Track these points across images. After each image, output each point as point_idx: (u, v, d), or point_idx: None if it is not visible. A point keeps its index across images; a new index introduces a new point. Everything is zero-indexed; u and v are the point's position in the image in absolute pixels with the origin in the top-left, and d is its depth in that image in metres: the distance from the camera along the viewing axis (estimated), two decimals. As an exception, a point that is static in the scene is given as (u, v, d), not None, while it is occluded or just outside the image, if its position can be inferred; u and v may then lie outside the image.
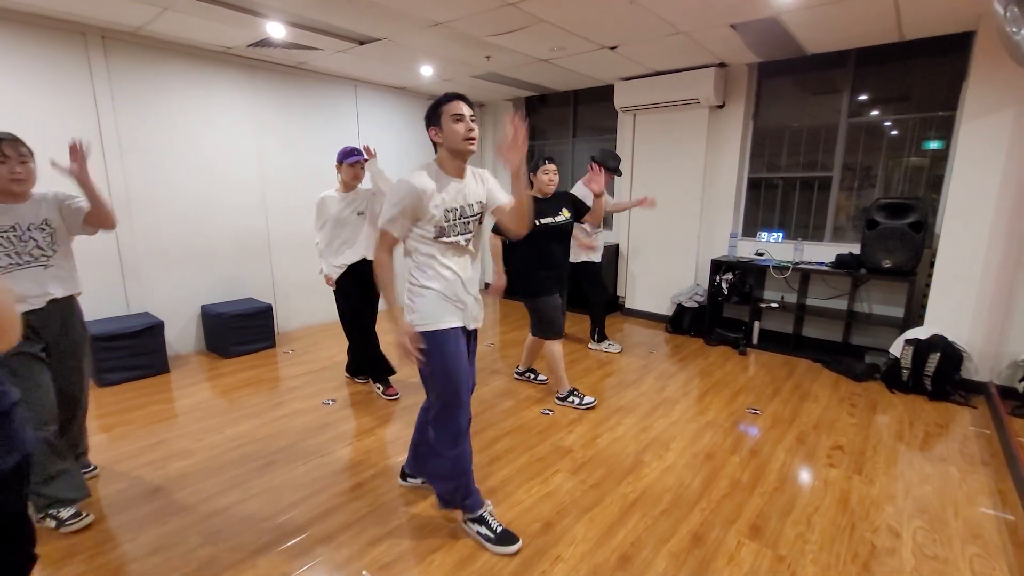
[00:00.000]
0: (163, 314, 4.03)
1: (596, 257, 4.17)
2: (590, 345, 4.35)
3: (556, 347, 3.16)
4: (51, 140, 3.44)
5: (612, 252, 5.46)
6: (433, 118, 1.81)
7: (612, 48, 3.96)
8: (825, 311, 4.27)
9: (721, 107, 4.68)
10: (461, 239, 1.86)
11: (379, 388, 3.39)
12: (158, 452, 2.64)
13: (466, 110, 1.80)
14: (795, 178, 4.56)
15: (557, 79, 5.10)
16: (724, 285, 4.54)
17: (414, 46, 3.95)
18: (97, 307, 3.71)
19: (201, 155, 4.15)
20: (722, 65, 4.46)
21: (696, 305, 4.78)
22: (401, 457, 2.58)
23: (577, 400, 3.19)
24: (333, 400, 3.30)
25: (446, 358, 1.83)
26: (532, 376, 3.60)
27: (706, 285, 4.77)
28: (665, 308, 5.17)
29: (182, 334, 4.21)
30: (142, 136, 3.82)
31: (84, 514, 2.05)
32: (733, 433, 2.88)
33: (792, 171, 4.56)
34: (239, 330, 4.14)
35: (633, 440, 2.79)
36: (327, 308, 5.05)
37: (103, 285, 3.75)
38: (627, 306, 5.54)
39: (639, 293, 5.43)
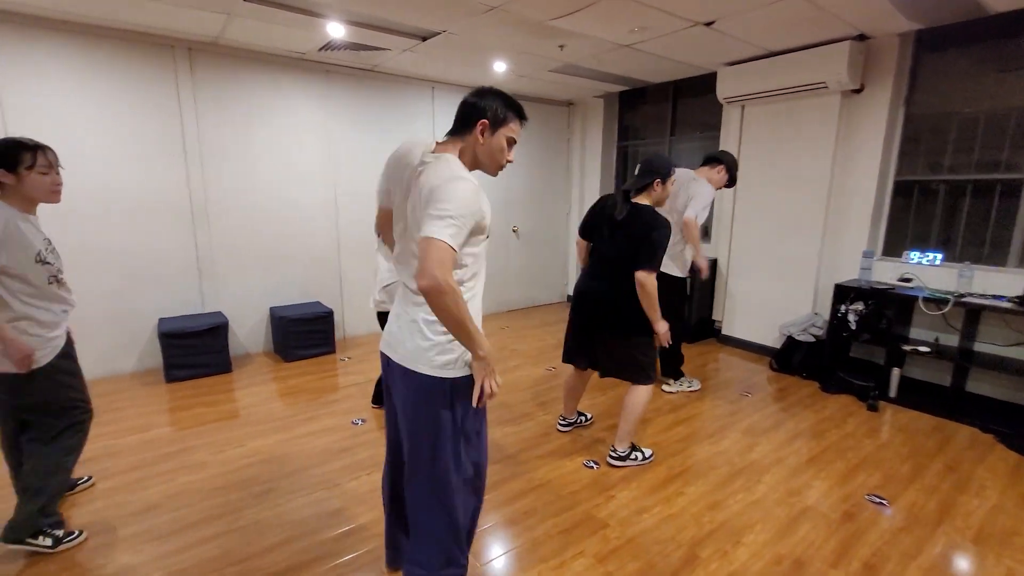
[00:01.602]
0: (235, 314, 4.16)
1: (681, 271, 3.46)
2: (665, 387, 3.60)
3: (648, 392, 2.56)
4: (142, 147, 3.70)
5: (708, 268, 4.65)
6: (499, 117, 1.41)
7: (708, 24, 3.26)
8: (1003, 362, 3.13)
9: (858, 92, 3.70)
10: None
11: None
12: (175, 462, 2.58)
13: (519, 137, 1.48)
14: (966, 181, 3.43)
15: (649, 68, 4.46)
16: (852, 317, 3.56)
17: (477, 38, 3.62)
18: (174, 305, 3.92)
19: (275, 160, 4.23)
20: (861, 38, 3.50)
21: (812, 339, 3.84)
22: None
23: (640, 456, 2.59)
24: (363, 420, 3.08)
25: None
26: (584, 419, 3.03)
27: (827, 315, 3.80)
28: (771, 339, 4.26)
29: (252, 333, 4.33)
30: (221, 142, 3.97)
31: (79, 532, 1.99)
32: (842, 531, 2.10)
33: (962, 172, 3.45)
34: (300, 334, 4.14)
35: (693, 521, 2.15)
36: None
37: (181, 284, 3.95)
38: (723, 332, 4.68)
39: (739, 318, 4.56)
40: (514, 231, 5.84)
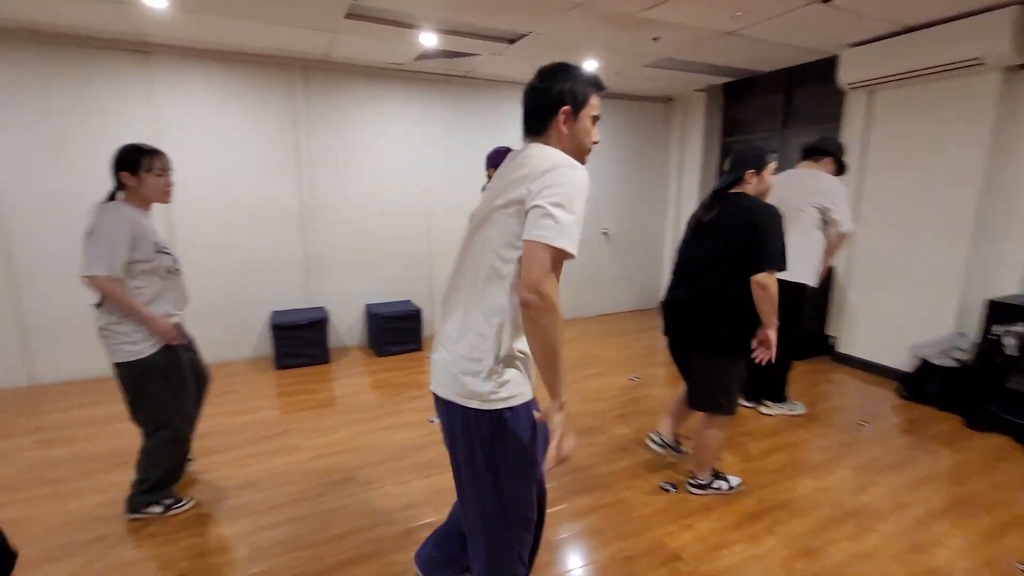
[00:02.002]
0: (335, 310, 4.50)
1: (812, 278, 3.02)
2: (764, 409, 3.22)
3: (721, 426, 2.29)
4: (262, 158, 4.14)
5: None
6: (579, 99, 1.23)
7: (824, 1, 2.88)
8: None
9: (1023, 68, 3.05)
10: None
11: None
12: (275, 443, 2.83)
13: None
14: None
15: (756, 56, 4.06)
16: (1011, 341, 2.94)
17: (566, 36, 3.54)
18: (284, 299, 4.33)
19: (375, 167, 4.49)
20: (1032, 1, 2.88)
21: (954, 364, 3.24)
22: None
23: (726, 485, 2.35)
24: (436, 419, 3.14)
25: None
26: (678, 451, 2.66)
27: (975, 337, 3.18)
28: (900, 361, 3.66)
29: (350, 329, 4.65)
30: (328, 151, 4.31)
31: (189, 500, 2.25)
32: (978, 604, 1.72)
33: None
34: (391, 331, 4.37)
35: (781, 567, 1.89)
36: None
37: (290, 280, 4.35)
38: (839, 350, 4.12)
39: (860, 335, 3.98)
40: (604, 234, 5.66)
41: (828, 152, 3.01)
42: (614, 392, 3.55)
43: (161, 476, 2.15)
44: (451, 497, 2.24)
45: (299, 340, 4.07)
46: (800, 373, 3.83)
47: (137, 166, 1.99)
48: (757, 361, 2.14)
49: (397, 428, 3.01)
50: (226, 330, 4.17)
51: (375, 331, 4.41)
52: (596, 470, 2.56)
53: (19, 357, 3.61)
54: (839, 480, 2.47)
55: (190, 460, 2.46)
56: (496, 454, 1.22)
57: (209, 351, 4.11)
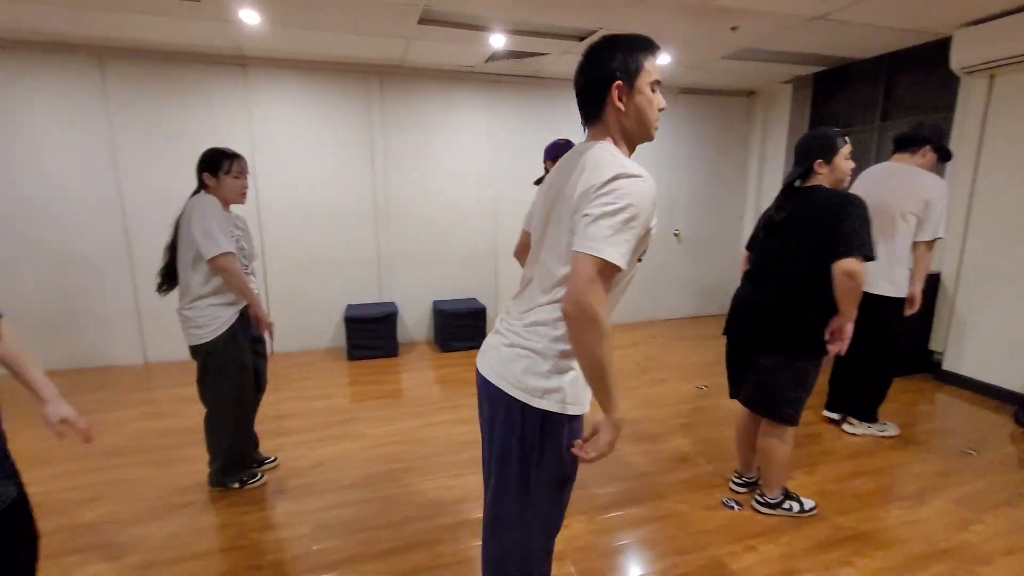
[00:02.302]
0: (404, 305, 4.69)
1: (895, 289, 2.72)
2: (848, 427, 2.93)
3: (786, 436, 2.10)
4: (340, 160, 4.38)
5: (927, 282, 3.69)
6: (631, 66, 1.10)
7: (932, -24, 2.58)
8: None
9: None
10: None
11: None
12: (342, 429, 2.99)
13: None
14: None
15: (852, 42, 3.72)
16: None
17: (635, 30, 3.42)
18: (357, 294, 4.57)
19: (445, 167, 4.62)
20: None
21: (1092, 391, 2.77)
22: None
23: (797, 507, 2.17)
24: (498, 416, 3.17)
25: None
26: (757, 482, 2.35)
27: (1122, 360, 2.70)
28: (1020, 384, 3.19)
29: (418, 324, 4.82)
30: (401, 153, 4.49)
31: (261, 475, 2.43)
32: (1109, 674, 1.45)
33: None
34: (455, 327, 4.47)
35: (858, 603, 1.71)
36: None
37: (363, 276, 4.58)
38: (945, 367, 3.67)
39: (971, 351, 3.52)
40: (675, 235, 5.43)
41: (925, 140, 2.64)
42: (679, 399, 3.39)
43: (227, 456, 2.32)
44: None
45: (370, 333, 4.28)
46: (896, 391, 3.45)
47: (218, 168, 2.16)
48: (833, 354, 1.99)
49: (455, 423, 3.08)
50: (305, 321, 4.46)
51: (441, 327, 4.54)
52: (654, 479, 2.46)
53: (137, 338, 4.10)
54: (935, 513, 2.19)
55: (269, 460, 2.59)
56: (532, 454, 1.19)
57: (290, 340, 4.42)
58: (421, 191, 4.60)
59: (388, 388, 3.67)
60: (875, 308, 2.62)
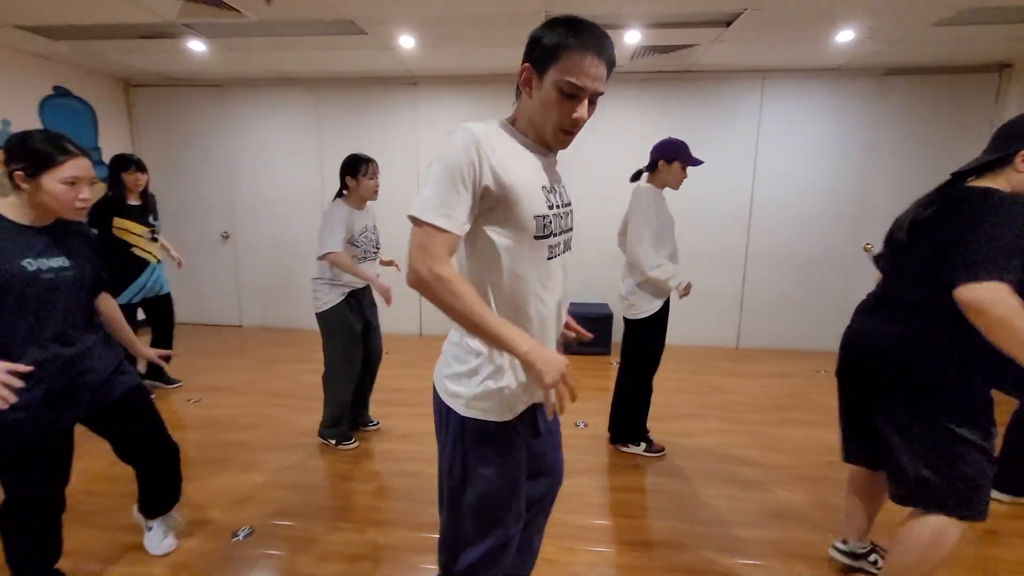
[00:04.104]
0: (535, 303, 4.84)
1: None
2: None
3: (947, 531, 1.47)
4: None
5: None
6: (544, 53, 1.00)
7: None
8: None
9: None
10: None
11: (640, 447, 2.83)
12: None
13: (599, 80, 1.01)
14: None
15: None
16: None
17: (796, 4, 2.92)
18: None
19: (586, 170, 4.60)
20: None
21: None
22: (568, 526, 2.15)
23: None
24: (586, 424, 3.09)
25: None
26: (876, 562, 1.84)
27: None
28: None
29: (548, 323, 4.91)
30: (543, 156, 4.63)
31: (354, 441, 2.82)
32: None
33: None
34: (580, 331, 4.44)
35: None
36: (683, 330, 4.65)
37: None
38: None
39: None
40: (866, 249, 4.41)
41: None
42: (810, 448, 2.80)
43: (331, 416, 2.74)
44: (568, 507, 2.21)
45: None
46: None
47: (357, 171, 2.57)
48: None
49: (542, 423, 3.09)
50: (431, 309, 4.94)
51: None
52: (728, 531, 2.11)
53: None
54: None
55: (373, 423, 3.00)
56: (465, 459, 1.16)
57: (436, 324, 4.94)
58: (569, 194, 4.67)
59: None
60: None
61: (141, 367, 3.25)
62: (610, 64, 1.04)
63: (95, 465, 2.47)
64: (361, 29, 3.38)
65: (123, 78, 4.87)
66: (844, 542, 1.88)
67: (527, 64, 1.05)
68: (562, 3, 2.96)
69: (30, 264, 1.44)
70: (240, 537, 2.03)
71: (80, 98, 4.51)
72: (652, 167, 2.59)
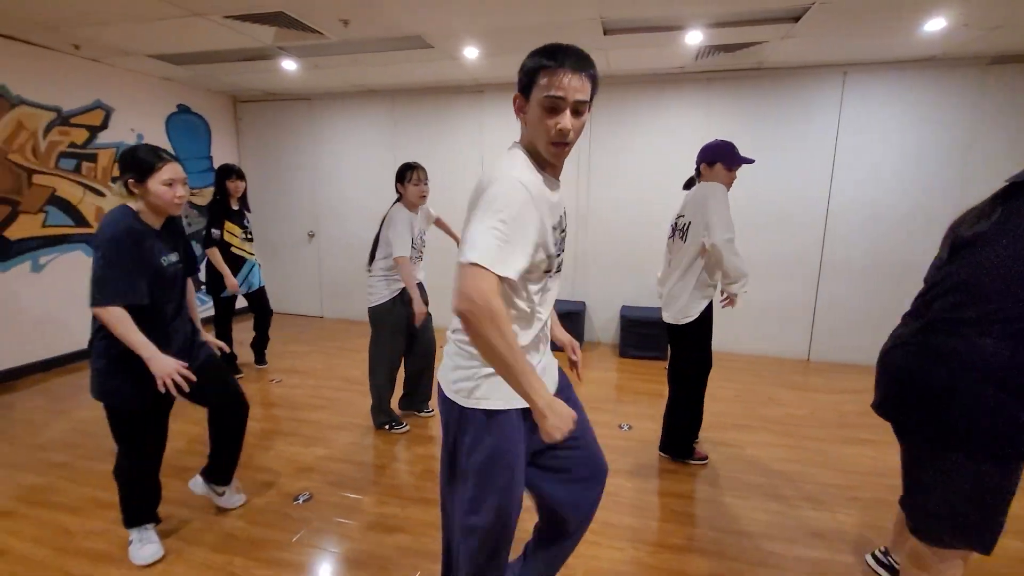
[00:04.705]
0: (594, 306, 4.86)
1: None
2: None
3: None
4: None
5: None
6: (526, 78, 1.12)
7: None
8: None
9: None
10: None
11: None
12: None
13: (575, 90, 1.08)
14: None
15: None
16: None
17: (866, -1, 2.74)
18: (552, 290, 4.96)
19: (648, 172, 4.55)
20: None
21: None
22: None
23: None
24: (630, 427, 3.09)
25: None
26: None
27: None
28: None
29: (605, 326, 4.92)
30: (605, 158, 4.65)
31: (405, 424, 3.05)
32: None
33: None
34: (637, 335, 4.41)
35: None
36: (749, 340, 4.48)
37: (563, 274, 4.94)
38: None
39: None
40: (964, 258, 3.97)
41: None
42: (871, 470, 2.61)
43: (374, 404, 2.98)
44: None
45: (556, 327, 4.62)
46: None
47: (404, 178, 2.81)
48: None
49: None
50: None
51: (623, 332, 4.54)
52: (761, 543, 2.06)
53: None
54: None
55: (428, 410, 3.21)
56: (460, 448, 1.28)
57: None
58: (622, 197, 4.66)
59: (549, 378, 3.94)
60: None
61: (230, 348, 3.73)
62: (591, 78, 1.13)
63: (193, 430, 2.89)
64: (428, 43, 3.63)
65: (232, 95, 5.54)
66: (885, 553, 1.78)
67: (517, 93, 1.16)
68: (616, 7, 3.00)
69: (165, 260, 1.81)
70: (300, 501, 2.31)
71: (197, 113, 5.20)
72: (698, 173, 2.56)
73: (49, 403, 3.36)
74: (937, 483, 1.35)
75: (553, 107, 1.10)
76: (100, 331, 1.73)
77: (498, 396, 1.23)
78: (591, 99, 1.15)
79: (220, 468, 2.16)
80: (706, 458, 2.70)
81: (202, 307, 4.46)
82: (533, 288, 1.23)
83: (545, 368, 1.37)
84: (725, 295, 2.50)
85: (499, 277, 1.03)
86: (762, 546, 2.05)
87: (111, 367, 1.74)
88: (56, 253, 4.02)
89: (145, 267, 1.73)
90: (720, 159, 2.43)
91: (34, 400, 3.43)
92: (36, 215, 3.88)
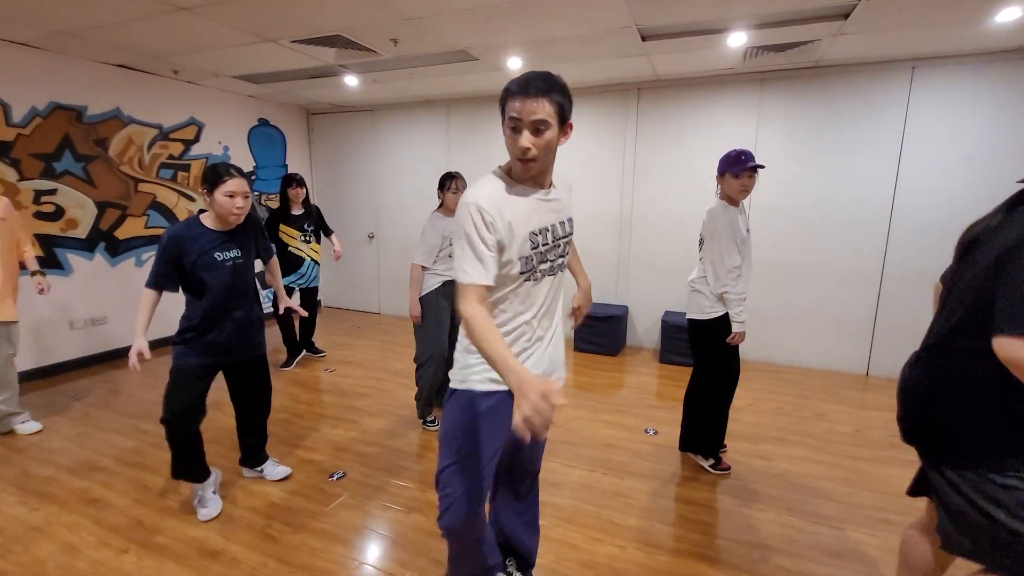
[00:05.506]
0: (636, 311, 4.85)
1: None
2: None
3: None
4: (594, 172, 4.82)
5: None
6: (500, 108, 1.33)
7: None
8: None
9: None
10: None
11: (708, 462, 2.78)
12: (521, 401, 3.55)
13: (529, 112, 1.22)
14: None
15: None
16: None
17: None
18: (597, 293, 4.99)
19: (694, 177, 4.47)
20: None
21: None
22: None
23: None
24: (656, 432, 3.10)
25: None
26: None
27: None
28: None
29: (648, 331, 4.88)
30: (651, 162, 4.62)
31: (434, 419, 3.22)
32: None
33: None
34: (676, 341, 4.35)
35: None
36: (805, 353, 4.29)
37: (605, 277, 4.97)
38: None
39: None
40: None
41: None
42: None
43: (420, 396, 3.15)
44: (593, 495, 2.35)
45: (596, 330, 4.66)
46: None
47: (445, 186, 3.00)
48: None
49: (611, 425, 3.19)
50: (552, 310, 5.20)
51: (664, 338, 4.49)
52: (769, 554, 2.03)
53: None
54: None
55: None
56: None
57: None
58: (667, 201, 4.61)
59: (583, 380, 4.01)
60: None
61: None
62: (552, 100, 1.25)
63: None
64: (473, 56, 3.82)
65: (305, 107, 6.07)
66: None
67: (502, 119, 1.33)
68: (651, 15, 3.02)
69: (220, 256, 2.14)
70: (334, 478, 2.56)
71: (275, 126, 5.76)
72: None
73: (146, 379, 3.91)
74: (974, 505, 1.26)
75: (514, 127, 1.27)
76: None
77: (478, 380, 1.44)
78: (561, 118, 1.29)
79: (247, 455, 2.53)
80: (729, 468, 2.66)
81: (266, 304, 5.01)
82: (507, 290, 1.37)
83: (537, 363, 1.46)
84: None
85: (468, 285, 1.26)
86: (769, 558, 2.02)
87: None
88: (154, 251, 4.63)
89: (189, 264, 2.10)
90: (727, 168, 2.41)
91: (135, 375, 4.00)
92: (140, 218, 4.51)
